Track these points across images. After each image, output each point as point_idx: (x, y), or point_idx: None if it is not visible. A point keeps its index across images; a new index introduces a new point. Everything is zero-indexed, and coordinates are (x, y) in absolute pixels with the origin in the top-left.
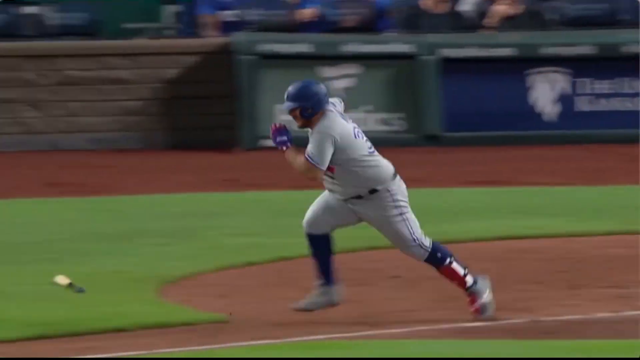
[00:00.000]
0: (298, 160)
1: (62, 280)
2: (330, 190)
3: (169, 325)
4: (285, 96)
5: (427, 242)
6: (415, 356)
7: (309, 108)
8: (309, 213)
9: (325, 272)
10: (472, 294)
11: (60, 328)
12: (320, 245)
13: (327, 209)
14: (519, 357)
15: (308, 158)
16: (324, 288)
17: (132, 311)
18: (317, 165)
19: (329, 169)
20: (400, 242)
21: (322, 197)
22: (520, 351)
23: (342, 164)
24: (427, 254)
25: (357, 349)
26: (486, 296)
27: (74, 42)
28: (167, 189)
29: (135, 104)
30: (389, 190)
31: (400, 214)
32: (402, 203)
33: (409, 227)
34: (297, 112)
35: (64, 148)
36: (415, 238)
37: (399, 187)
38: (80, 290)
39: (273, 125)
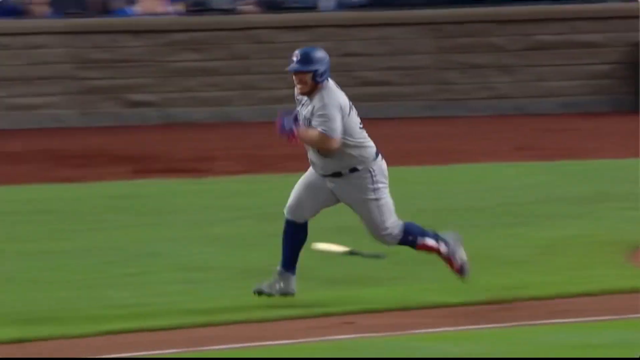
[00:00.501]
0: (311, 134)
1: (330, 247)
2: (311, 163)
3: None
4: (297, 58)
5: (398, 229)
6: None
7: (322, 73)
8: (292, 199)
9: (292, 261)
10: (447, 257)
11: (524, 292)
12: (298, 235)
13: (309, 192)
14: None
15: (324, 132)
16: (285, 275)
17: (600, 275)
18: (332, 136)
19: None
20: (373, 227)
21: (303, 180)
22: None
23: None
24: (397, 241)
25: None
26: (461, 253)
27: (544, 6)
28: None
29: (604, 68)
30: (369, 171)
31: (377, 199)
32: (381, 185)
33: (383, 215)
34: (309, 77)
35: (532, 112)
36: (388, 226)
37: (380, 167)
38: (377, 256)
39: (280, 118)
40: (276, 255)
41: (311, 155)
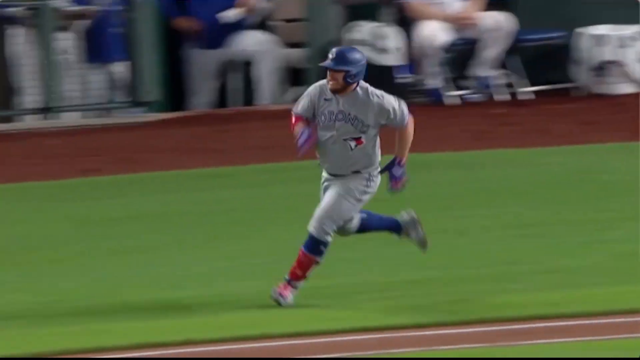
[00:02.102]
0: (408, 134)
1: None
2: (323, 163)
3: None
4: (333, 56)
5: (330, 237)
6: None
7: (355, 75)
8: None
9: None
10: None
11: None
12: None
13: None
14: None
15: (405, 120)
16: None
17: None
18: (409, 118)
19: (357, 140)
20: (324, 214)
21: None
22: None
23: (371, 138)
24: (316, 237)
25: None
26: (418, 231)
27: None
28: None
29: None
30: (370, 175)
31: (358, 200)
32: (370, 190)
33: (343, 213)
34: (342, 76)
35: None
36: (330, 228)
37: (378, 177)
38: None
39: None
40: None
41: (328, 156)
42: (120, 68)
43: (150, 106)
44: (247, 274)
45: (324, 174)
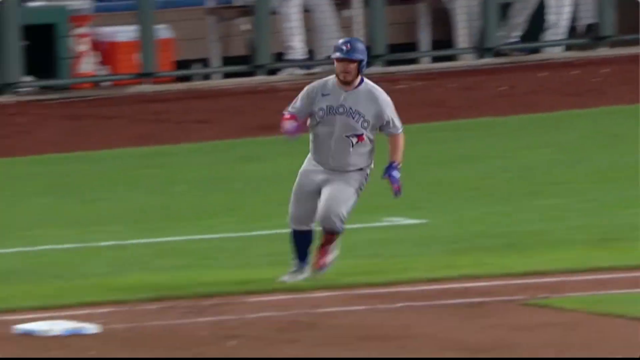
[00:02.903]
0: (401, 142)
1: None
2: (319, 163)
3: None
4: (347, 48)
5: (343, 224)
6: None
7: (365, 64)
8: (297, 210)
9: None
10: (329, 251)
11: None
12: (309, 237)
13: (311, 199)
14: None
15: (401, 130)
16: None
17: None
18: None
19: (359, 137)
20: (334, 204)
21: (301, 190)
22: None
23: (371, 136)
24: (333, 230)
25: None
26: (334, 253)
27: None
28: None
29: None
30: (368, 173)
31: (356, 190)
32: (364, 188)
33: (349, 203)
34: (355, 66)
35: None
36: (344, 214)
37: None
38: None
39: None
40: None
41: (324, 154)
42: None
43: None
44: None
45: (314, 167)
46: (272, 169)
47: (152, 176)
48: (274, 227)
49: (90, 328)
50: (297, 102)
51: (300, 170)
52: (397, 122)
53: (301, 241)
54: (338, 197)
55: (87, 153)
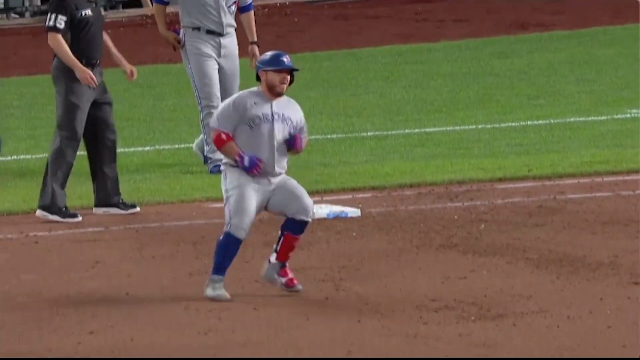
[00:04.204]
0: (306, 144)
1: None
2: (267, 173)
3: None
4: (288, 58)
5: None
6: None
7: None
8: (247, 221)
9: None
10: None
11: None
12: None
13: (257, 210)
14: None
15: (307, 137)
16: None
17: None
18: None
19: (294, 140)
20: (305, 193)
21: (250, 200)
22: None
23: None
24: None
25: None
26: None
27: None
28: None
29: None
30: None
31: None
32: None
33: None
34: (290, 78)
35: None
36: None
37: None
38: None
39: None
40: None
41: (276, 156)
42: None
43: None
44: None
45: (253, 177)
46: (523, 64)
47: (410, 72)
48: (524, 118)
49: (352, 211)
50: (223, 115)
51: (236, 184)
52: (306, 127)
53: (233, 251)
54: (301, 188)
55: (352, 51)
